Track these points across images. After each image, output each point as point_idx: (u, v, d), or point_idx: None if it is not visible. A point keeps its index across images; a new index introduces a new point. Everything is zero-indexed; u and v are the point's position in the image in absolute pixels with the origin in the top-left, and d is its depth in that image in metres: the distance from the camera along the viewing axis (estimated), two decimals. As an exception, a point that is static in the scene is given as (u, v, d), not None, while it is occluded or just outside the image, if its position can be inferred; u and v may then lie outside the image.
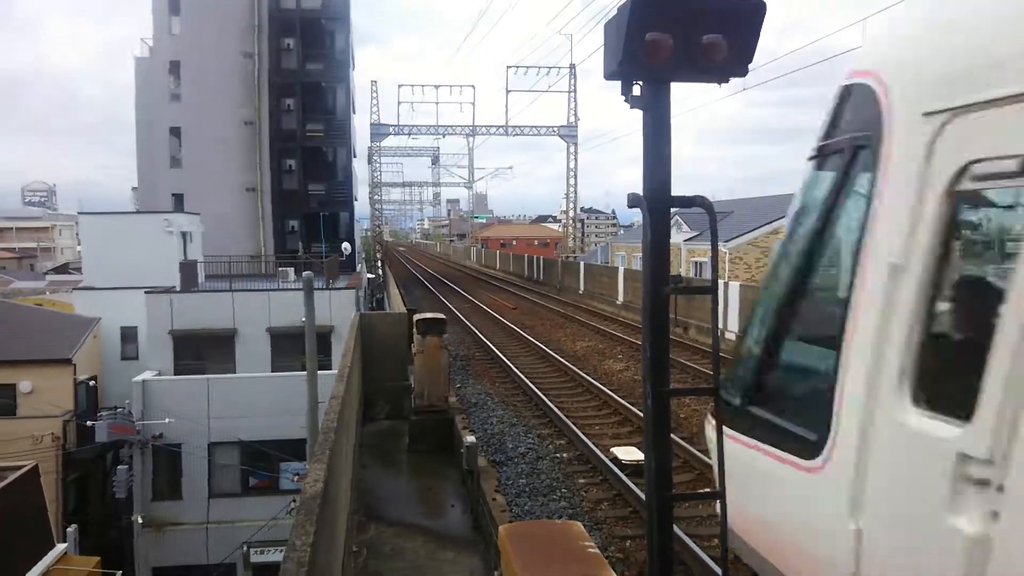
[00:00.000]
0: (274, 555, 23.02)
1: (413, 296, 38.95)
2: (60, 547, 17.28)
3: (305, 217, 45.40)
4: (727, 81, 3.39)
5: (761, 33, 3.28)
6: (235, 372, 27.69)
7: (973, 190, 2.82)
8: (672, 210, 3.61)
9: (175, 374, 27.41)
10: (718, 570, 7.28)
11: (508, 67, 47.08)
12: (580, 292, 38.91)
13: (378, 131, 50.67)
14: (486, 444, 12.59)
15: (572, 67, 49.50)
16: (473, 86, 51.25)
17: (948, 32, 3.11)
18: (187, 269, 31.07)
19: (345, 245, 42.76)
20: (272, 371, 27.76)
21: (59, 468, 25.62)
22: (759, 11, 3.23)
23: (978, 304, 2.90)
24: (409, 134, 50.50)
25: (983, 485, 2.49)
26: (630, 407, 14.08)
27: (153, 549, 25.45)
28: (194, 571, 25.06)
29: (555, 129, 50.14)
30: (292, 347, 26.96)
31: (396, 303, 23.40)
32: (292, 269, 33.91)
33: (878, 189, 3.21)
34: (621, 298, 32.67)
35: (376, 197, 65.74)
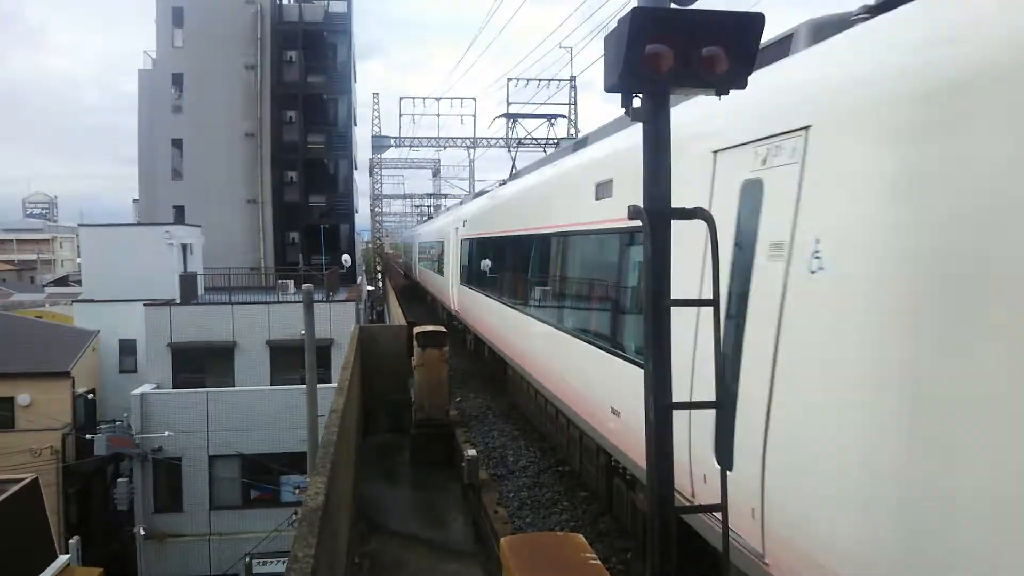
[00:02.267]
0: (277, 566, 22.95)
1: (411, 306, 38.89)
2: (63, 558, 17.21)
3: (306, 229, 45.41)
4: (727, 93, 3.41)
5: (760, 45, 3.31)
6: (234, 385, 27.66)
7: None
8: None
9: (173, 387, 27.37)
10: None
11: (509, 79, 47.18)
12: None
13: (379, 143, 50.77)
14: (487, 458, 12.56)
15: (572, 79, 49.65)
16: (474, 98, 51.46)
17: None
18: (187, 281, 31.05)
19: (346, 257, 42.75)
20: (271, 384, 27.74)
21: (60, 481, 25.56)
22: (758, 23, 3.24)
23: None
24: (410, 146, 50.59)
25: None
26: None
27: (156, 560, 25.41)
28: (196, 583, 25.12)
29: (555, 141, 50.22)
30: (291, 360, 26.95)
31: (396, 315, 23.37)
32: (292, 281, 33.92)
33: None
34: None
35: (377, 209, 65.76)
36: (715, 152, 5.47)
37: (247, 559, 24.13)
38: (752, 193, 4.92)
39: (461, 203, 27.15)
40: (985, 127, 3.20)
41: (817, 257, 4.12)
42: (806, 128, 4.38)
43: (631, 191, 6.10)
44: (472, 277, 18.27)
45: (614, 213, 7.61)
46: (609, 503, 9.29)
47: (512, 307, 13.23)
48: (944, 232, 3.33)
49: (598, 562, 5.08)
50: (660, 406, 3.44)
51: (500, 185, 19.81)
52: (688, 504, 3.80)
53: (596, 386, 8.40)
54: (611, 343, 7.88)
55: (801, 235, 4.29)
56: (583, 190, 8.75)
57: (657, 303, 3.43)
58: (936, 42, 3.61)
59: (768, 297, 4.56)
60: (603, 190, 8.03)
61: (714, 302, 3.50)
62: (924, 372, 3.39)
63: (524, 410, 14.51)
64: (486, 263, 16.15)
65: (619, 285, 7.76)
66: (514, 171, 20.50)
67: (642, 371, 6.28)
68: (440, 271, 25.80)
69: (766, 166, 4.79)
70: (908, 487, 3.44)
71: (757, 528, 4.64)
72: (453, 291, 21.90)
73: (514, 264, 13.35)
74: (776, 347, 4.43)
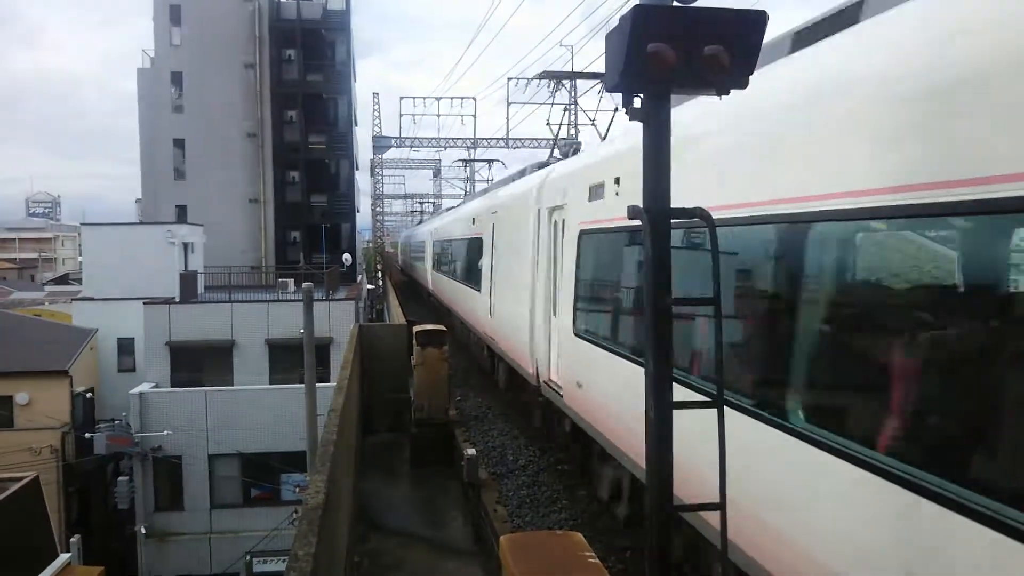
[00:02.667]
0: (277, 565, 22.93)
1: (411, 305, 38.86)
2: (64, 557, 17.14)
3: (307, 229, 45.44)
4: (728, 92, 3.40)
5: (763, 44, 3.29)
6: (233, 384, 27.63)
7: None
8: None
9: (172, 386, 27.34)
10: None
11: (509, 79, 47.11)
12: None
13: (380, 143, 50.75)
14: (487, 456, 12.55)
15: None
16: (474, 98, 51.34)
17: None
18: (187, 280, 31.03)
19: (346, 256, 42.76)
20: (270, 383, 27.71)
21: (60, 479, 25.53)
22: (760, 22, 3.23)
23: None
24: (411, 146, 50.53)
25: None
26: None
27: (157, 559, 25.41)
28: (196, 581, 25.11)
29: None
30: (290, 359, 26.93)
31: (396, 314, 23.35)
32: (292, 280, 33.91)
33: None
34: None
35: (378, 209, 65.82)
36: (473, 219, 18.33)
37: (248, 557, 24.13)
38: (493, 229, 15.27)
39: (440, 215, 38.39)
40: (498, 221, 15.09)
41: (497, 244, 14.99)
42: (496, 212, 15.33)
43: (483, 223, 16.46)
44: (437, 264, 27.31)
45: (477, 231, 17.26)
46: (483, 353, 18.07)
47: (447, 276, 23.52)
48: (504, 243, 14.25)
49: (597, 561, 5.08)
50: (660, 406, 3.44)
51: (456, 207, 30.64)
52: (686, 503, 3.79)
53: (470, 305, 17.87)
54: (475, 285, 17.01)
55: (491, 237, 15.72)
56: (468, 219, 19.33)
57: (657, 303, 3.42)
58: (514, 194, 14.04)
59: (489, 255, 15.67)
60: (474, 221, 17.98)
61: (714, 301, 3.50)
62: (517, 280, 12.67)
63: (459, 334, 22.12)
64: (442, 255, 25.72)
65: (478, 260, 16.62)
66: (465, 197, 33.23)
67: (479, 293, 16.55)
68: (422, 262, 35.18)
69: (493, 218, 15.43)
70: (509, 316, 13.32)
71: (490, 334, 15.46)
72: (429, 276, 30.96)
73: (447, 255, 23.66)
74: (492, 275, 15.11)
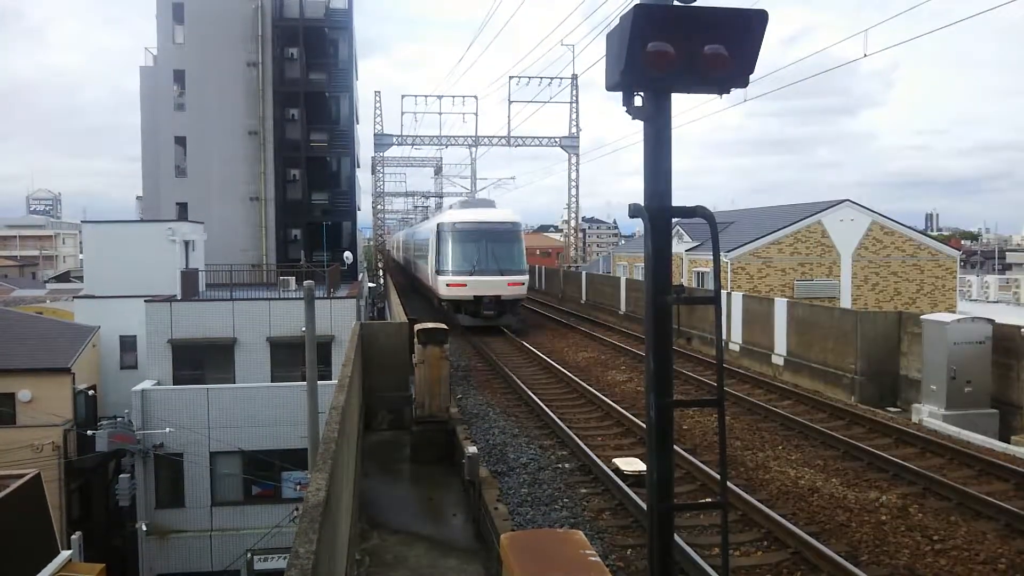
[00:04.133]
0: (278, 562, 22.96)
1: (413, 305, 38.91)
2: (65, 554, 17.21)
3: (308, 226, 45.42)
4: (728, 91, 3.40)
5: (763, 43, 3.29)
6: (234, 382, 27.63)
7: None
8: (673, 220, 3.64)
9: (174, 383, 27.35)
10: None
11: (511, 77, 47.17)
12: (582, 302, 38.85)
13: (381, 141, 50.80)
14: (488, 455, 12.56)
15: (574, 78, 49.63)
16: (476, 97, 51.42)
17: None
18: (188, 278, 31.04)
19: (347, 254, 42.80)
20: (272, 381, 27.72)
21: (61, 476, 25.57)
22: (761, 21, 3.23)
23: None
24: (412, 144, 50.58)
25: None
26: (633, 418, 14.07)
27: (157, 556, 25.42)
28: (197, 578, 25.10)
29: (557, 140, 50.31)
30: (292, 357, 26.94)
31: (397, 312, 23.37)
32: (293, 278, 33.92)
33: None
34: (623, 308, 32.62)
35: (379, 207, 65.94)
36: (439, 224, 32.59)
37: (248, 555, 24.16)
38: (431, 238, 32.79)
39: (414, 225, 57.08)
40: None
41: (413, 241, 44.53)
42: (412, 234, 47.31)
43: (426, 232, 35.73)
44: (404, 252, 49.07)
45: (426, 235, 33.57)
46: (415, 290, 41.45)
47: (405, 256, 50.74)
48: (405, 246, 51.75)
49: (598, 559, 5.09)
50: (660, 403, 3.45)
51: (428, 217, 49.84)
52: (687, 502, 3.84)
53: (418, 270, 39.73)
54: (423, 260, 34.39)
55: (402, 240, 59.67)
56: (409, 233, 52.31)
57: (658, 300, 3.43)
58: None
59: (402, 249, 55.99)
60: (420, 231, 40.07)
61: (715, 299, 3.50)
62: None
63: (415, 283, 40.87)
64: (405, 248, 47.06)
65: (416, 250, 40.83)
66: (425, 216, 55.93)
67: (424, 266, 34.19)
68: (406, 253, 51.82)
69: (412, 228, 55.99)
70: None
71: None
72: (406, 256, 51.19)
73: (405, 247, 50.15)
74: (414, 256, 41.58)
